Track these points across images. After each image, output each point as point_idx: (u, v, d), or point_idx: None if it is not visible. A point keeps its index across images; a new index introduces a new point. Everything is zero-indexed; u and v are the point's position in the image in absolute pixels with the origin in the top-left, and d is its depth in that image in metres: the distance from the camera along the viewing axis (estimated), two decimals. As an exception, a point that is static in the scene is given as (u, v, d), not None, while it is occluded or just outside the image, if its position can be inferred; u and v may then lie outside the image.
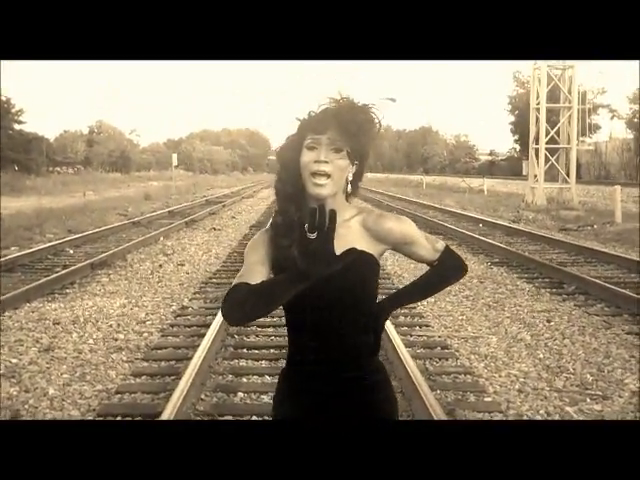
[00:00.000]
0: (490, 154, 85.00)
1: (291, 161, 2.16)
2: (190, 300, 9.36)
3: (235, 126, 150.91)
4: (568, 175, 28.34)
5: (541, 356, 6.74)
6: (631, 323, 7.95)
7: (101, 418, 5.12)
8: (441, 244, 2.32)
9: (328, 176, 2.10)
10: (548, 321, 8.10)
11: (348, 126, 2.09)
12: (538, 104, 28.13)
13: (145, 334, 7.59)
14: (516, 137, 68.53)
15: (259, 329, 7.68)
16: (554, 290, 9.93)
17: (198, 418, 5.11)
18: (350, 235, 2.18)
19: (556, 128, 28.36)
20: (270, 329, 7.71)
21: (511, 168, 66.72)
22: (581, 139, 30.18)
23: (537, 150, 28.69)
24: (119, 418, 5.11)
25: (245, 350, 6.91)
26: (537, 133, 28.48)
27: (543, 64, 27.59)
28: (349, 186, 2.20)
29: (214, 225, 20.41)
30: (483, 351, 6.91)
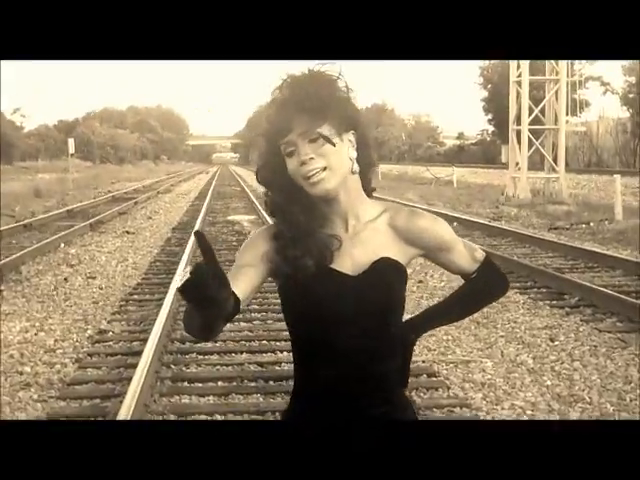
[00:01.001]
0: (458, 137, 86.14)
1: (280, 179, 2.16)
2: (109, 322, 9.26)
3: (144, 103, 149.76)
4: (556, 162, 28.84)
5: (548, 383, 6.84)
6: (652, 341, 8.14)
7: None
8: (480, 253, 2.36)
9: (323, 169, 2.10)
10: (551, 340, 8.23)
11: (311, 108, 2.09)
12: (519, 76, 28.59)
13: (57, 366, 7.46)
14: (489, 116, 69.56)
15: (200, 357, 7.64)
16: (554, 302, 10.10)
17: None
18: (376, 239, 2.20)
19: (541, 105, 28.86)
20: (214, 357, 7.67)
21: (484, 154, 67.85)
22: (568, 118, 30.84)
23: (518, 132, 29.15)
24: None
25: (186, 384, 6.85)
26: (518, 111, 28.94)
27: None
28: (356, 166, 2.17)
29: (126, 228, 20.24)
30: (478, 378, 6.98)
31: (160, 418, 5.97)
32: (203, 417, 6.02)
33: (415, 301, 10.10)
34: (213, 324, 1.97)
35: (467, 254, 2.31)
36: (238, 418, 6.01)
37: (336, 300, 2.13)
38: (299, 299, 2.17)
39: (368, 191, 2.25)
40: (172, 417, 6.01)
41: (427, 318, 2.38)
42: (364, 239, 2.19)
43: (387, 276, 2.17)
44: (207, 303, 1.81)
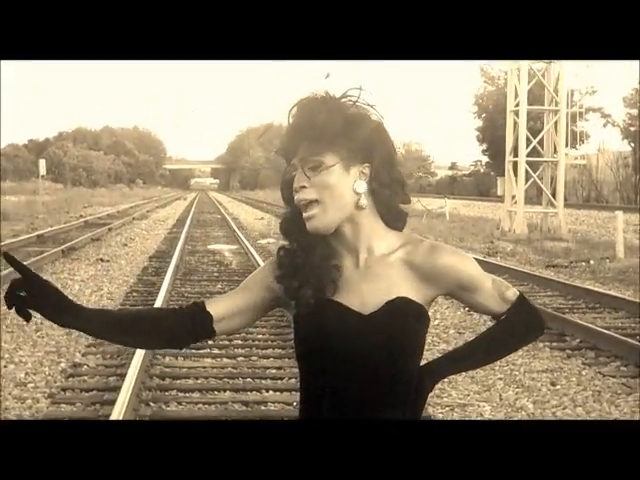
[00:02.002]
0: (451, 168, 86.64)
1: (291, 199, 2.17)
2: (83, 355, 9.21)
3: (120, 124, 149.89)
4: (554, 196, 28.99)
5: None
6: (658, 387, 8.16)
7: None
8: (513, 292, 2.24)
9: (315, 201, 2.08)
10: (552, 384, 8.24)
11: (314, 135, 2.08)
12: (517, 106, 28.79)
13: (29, 401, 7.42)
14: (484, 147, 69.92)
15: (181, 394, 7.62)
16: (554, 344, 10.11)
17: None
18: (391, 275, 2.14)
19: (540, 136, 29.02)
20: (195, 394, 7.66)
21: (478, 186, 68.19)
22: (567, 151, 31.02)
23: (515, 164, 29.29)
24: None
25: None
26: (515, 142, 29.09)
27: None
28: (363, 201, 2.12)
29: (100, 255, 20.18)
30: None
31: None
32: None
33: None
34: (143, 345, 2.18)
35: (496, 294, 2.21)
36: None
37: (342, 337, 2.08)
38: (304, 332, 2.15)
39: (395, 226, 2.20)
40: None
41: (447, 362, 2.25)
42: (376, 275, 2.14)
43: (403, 318, 2.10)
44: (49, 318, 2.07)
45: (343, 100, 2.13)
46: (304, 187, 2.08)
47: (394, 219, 2.19)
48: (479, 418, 7.09)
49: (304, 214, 2.09)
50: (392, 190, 2.16)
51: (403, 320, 2.10)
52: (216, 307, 2.19)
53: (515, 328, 2.24)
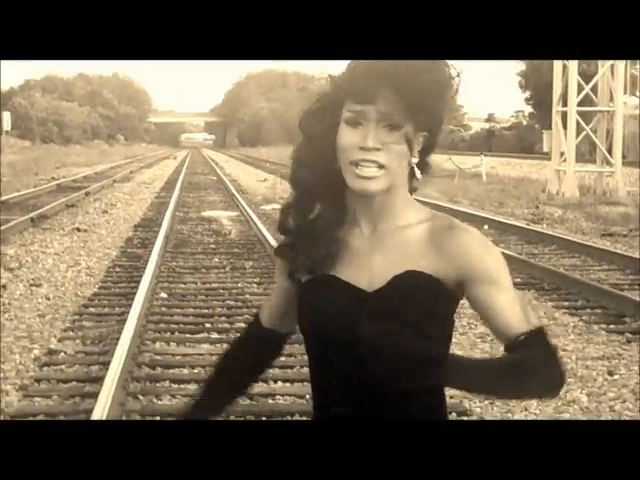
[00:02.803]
0: (488, 120, 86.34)
1: (321, 139, 2.14)
2: (59, 340, 9.27)
3: (95, 71, 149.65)
4: (610, 153, 28.85)
5: (608, 426, 6.85)
6: None
7: None
8: (537, 320, 2.20)
9: (380, 167, 2.07)
10: (610, 374, 8.25)
11: (409, 91, 2.04)
12: (567, 45, 28.59)
13: (-3, 394, 7.46)
14: (527, 95, 69.70)
15: (174, 386, 7.67)
16: (612, 327, 10.14)
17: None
18: (407, 248, 2.14)
19: (593, 82, 28.87)
20: (191, 386, 7.66)
21: (520, 141, 67.97)
22: (626, 99, 30.88)
23: (564, 115, 29.15)
24: None
25: (158, 418, 6.84)
26: (564, 89, 28.95)
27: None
28: (417, 172, 2.17)
29: (77, 224, 20.26)
30: (520, 419, 6.98)
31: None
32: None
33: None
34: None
35: (518, 307, 2.12)
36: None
37: (346, 317, 2.08)
38: (309, 315, 2.18)
39: (411, 190, 2.23)
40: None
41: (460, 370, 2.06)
42: (391, 245, 2.15)
43: (413, 294, 2.09)
44: None
45: (441, 65, 2.14)
46: (377, 149, 2.05)
47: (412, 189, 2.23)
48: (523, 414, 7.11)
49: (360, 172, 2.06)
50: (429, 160, 2.22)
51: (412, 297, 2.09)
52: (285, 325, 2.38)
53: (529, 363, 2.07)
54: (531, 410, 7.19)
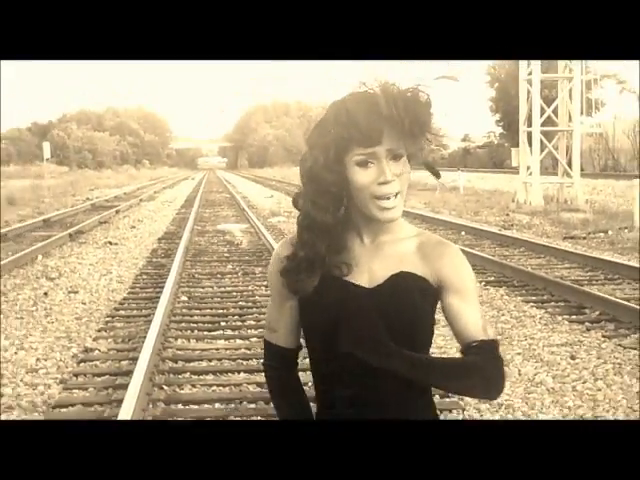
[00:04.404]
0: (464, 140, 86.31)
1: (333, 184, 2.13)
2: (94, 340, 9.27)
3: (123, 105, 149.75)
4: (570, 166, 28.88)
5: (570, 404, 6.86)
6: (680, 358, 8.16)
7: None
8: (493, 332, 2.24)
9: (397, 194, 2.11)
10: (572, 358, 8.25)
11: (411, 126, 2.07)
12: (530, 74, 28.65)
13: (41, 387, 7.48)
14: (497, 117, 69.65)
15: (194, 377, 7.66)
16: (573, 317, 10.14)
17: None
18: (401, 255, 2.21)
19: (554, 105, 28.88)
20: (209, 377, 7.68)
21: (492, 157, 67.93)
22: (583, 119, 30.87)
23: (529, 134, 29.17)
24: None
25: (180, 406, 6.86)
26: (529, 112, 28.97)
27: (536, 22, 28.08)
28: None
29: (109, 238, 20.25)
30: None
31: (154, 443, 5.98)
32: (200, 442, 6.01)
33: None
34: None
35: (480, 319, 2.19)
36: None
37: (348, 311, 2.11)
38: (312, 312, 2.21)
39: None
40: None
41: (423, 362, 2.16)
42: (388, 253, 2.21)
43: (407, 290, 2.16)
44: None
45: (422, 90, 2.13)
46: (394, 181, 2.09)
47: None
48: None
49: (384, 204, 2.10)
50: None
51: (407, 294, 2.17)
52: (288, 339, 2.37)
53: (484, 362, 2.15)
54: (505, 391, 7.18)
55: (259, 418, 6.55)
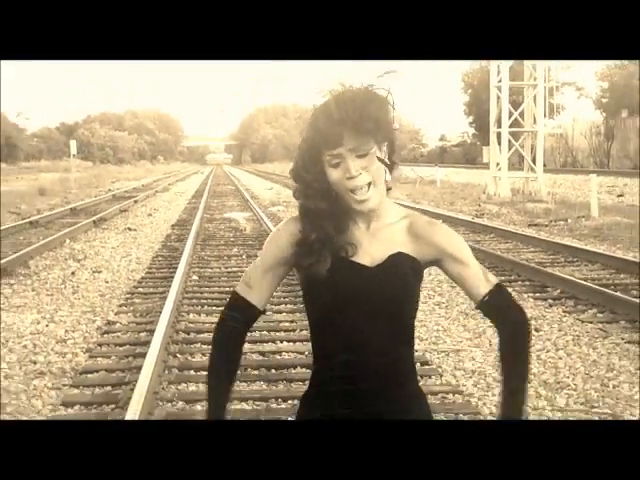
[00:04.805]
0: (441, 139, 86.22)
1: (315, 181, 2.17)
2: (116, 314, 9.24)
3: (141, 107, 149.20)
4: (534, 162, 28.84)
5: (535, 370, 6.85)
6: (631, 331, 8.17)
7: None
8: (493, 277, 2.25)
9: (369, 185, 2.12)
10: (536, 330, 8.24)
11: (363, 124, 2.08)
12: (499, 82, 28.58)
13: (69, 355, 7.45)
14: (470, 119, 69.59)
15: (204, 347, 7.61)
16: (537, 295, 10.14)
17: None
18: (395, 237, 2.22)
19: (520, 109, 28.84)
20: (217, 346, 7.65)
21: (465, 155, 67.83)
22: (545, 121, 30.83)
23: (499, 134, 29.13)
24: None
25: (192, 372, 6.83)
26: (499, 115, 28.91)
27: (505, 35, 27.97)
28: (388, 175, 2.20)
29: (128, 224, 20.19)
30: (469, 366, 7.00)
31: (169, 405, 5.97)
32: (210, 403, 6.00)
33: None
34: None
35: (481, 273, 2.22)
36: (243, 405, 6.01)
37: (354, 288, 2.15)
38: (322, 293, 2.19)
39: (387, 191, 2.25)
40: (180, 404, 6.00)
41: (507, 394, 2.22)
42: (383, 237, 2.21)
43: (402, 268, 2.18)
44: None
45: (375, 89, 2.15)
46: (361, 174, 2.10)
47: (388, 189, 2.25)
48: (471, 364, 7.10)
49: (358, 197, 2.12)
50: (395, 161, 2.24)
51: (402, 271, 2.18)
52: (262, 298, 2.29)
53: (501, 312, 2.21)
54: (477, 359, 7.19)
55: (261, 383, 6.54)
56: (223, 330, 2.29)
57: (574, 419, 5.26)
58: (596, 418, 5.69)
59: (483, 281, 2.21)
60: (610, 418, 5.68)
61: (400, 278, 2.17)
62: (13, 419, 5.47)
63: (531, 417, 5.74)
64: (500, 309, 2.22)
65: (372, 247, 2.20)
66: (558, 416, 5.73)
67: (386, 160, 2.17)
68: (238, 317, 2.28)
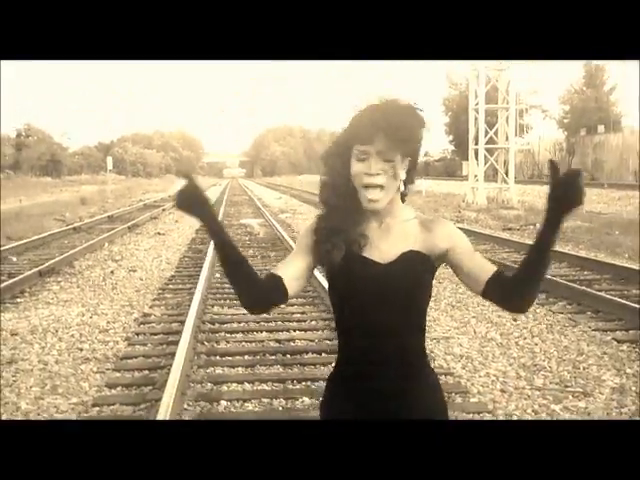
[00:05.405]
0: (425, 155, 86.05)
1: (339, 169, 2.13)
2: (150, 307, 9.16)
3: (167, 128, 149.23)
4: (507, 175, 28.82)
5: (515, 355, 6.80)
6: (596, 320, 8.10)
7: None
8: (490, 264, 2.18)
9: (381, 187, 2.07)
10: (514, 320, 8.18)
11: (397, 133, 2.03)
12: (477, 105, 28.54)
13: (111, 343, 7.38)
14: (450, 138, 69.52)
15: (228, 335, 7.58)
16: (514, 289, 10.04)
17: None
18: (408, 236, 2.16)
19: (495, 128, 28.82)
20: (239, 335, 7.61)
21: (446, 168, 67.74)
22: (516, 139, 30.79)
23: (476, 150, 29.10)
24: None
25: (218, 357, 6.77)
26: (476, 133, 28.88)
27: (480, 65, 27.98)
28: (403, 186, 2.14)
29: (158, 230, 20.11)
30: (457, 351, 6.94)
31: (199, 386, 5.91)
32: (234, 385, 5.94)
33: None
34: (244, 291, 2.16)
35: (484, 263, 2.15)
36: (263, 386, 5.94)
37: (369, 283, 2.10)
38: (339, 282, 2.15)
39: (403, 198, 2.21)
40: (209, 385, 5.94)
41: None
42: (395, 235, 2.15)
43: (413, 265, 2.12)
44: (198, 217, 2.16)
45: (416, 107, 2.11)
46: (378, 174, 2.05)
47: (404, 194, 2.21)
48: (459, 349, 7.04)
49: (367, 195, 2.07)
50: (413, 176, 2.19)
51: (413, 268, 2.13)
52: (287, 275, 2.16)
53: (507, 289, 2.10)
54: (464, 345, 7.14)
55: (278, 366, 6.48)
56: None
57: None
58: (570, 397, 5.63)
59: (486, 267, 2.14)
60: (582, 396, 5.63)
61: (411, 275, 2.12)
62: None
63: (520, 405, 5.68)
64: (505, 287, 2.09)
65: (383, 244, 2.15)
66: (537, 394, 5.68)
67: (404, 173, 2.12)
68: (265, 278, 2.18)
